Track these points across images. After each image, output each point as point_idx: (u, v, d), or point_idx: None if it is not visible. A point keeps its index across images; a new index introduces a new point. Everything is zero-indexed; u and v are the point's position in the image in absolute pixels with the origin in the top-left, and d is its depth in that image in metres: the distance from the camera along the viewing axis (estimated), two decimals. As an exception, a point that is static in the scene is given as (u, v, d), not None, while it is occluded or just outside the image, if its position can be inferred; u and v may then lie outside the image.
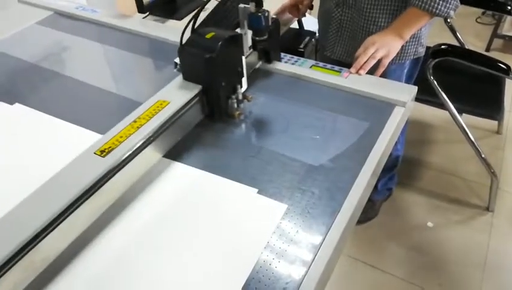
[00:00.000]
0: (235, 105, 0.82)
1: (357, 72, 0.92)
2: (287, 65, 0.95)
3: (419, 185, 1.76)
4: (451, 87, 1.46)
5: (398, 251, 1.53)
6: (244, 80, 0.85)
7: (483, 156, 1.57)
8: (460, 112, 1.49)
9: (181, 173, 0.72)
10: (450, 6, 0.96)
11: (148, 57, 1.05)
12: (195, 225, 0.64)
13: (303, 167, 0.71)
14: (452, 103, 1.45)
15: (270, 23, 0.84)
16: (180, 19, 1.25)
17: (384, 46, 0.95)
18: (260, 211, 0.65)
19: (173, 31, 1.05)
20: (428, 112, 1.79)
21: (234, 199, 0.67)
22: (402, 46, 1.01)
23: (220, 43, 0.74)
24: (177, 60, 0.80)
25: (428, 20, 1.00)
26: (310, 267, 0.57)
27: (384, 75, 0.96)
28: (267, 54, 0.95)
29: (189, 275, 0.57)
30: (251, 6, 0.80)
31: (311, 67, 0.94)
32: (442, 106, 1.48)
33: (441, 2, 0.95)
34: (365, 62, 0.93)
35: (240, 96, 0.83)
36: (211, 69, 0.75)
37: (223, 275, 0.57)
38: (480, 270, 1.44)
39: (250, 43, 0.89)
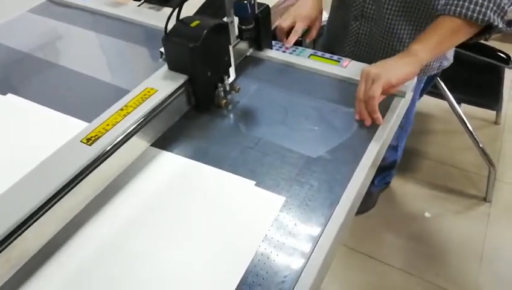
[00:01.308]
0: (222, 94, 0.80)
1: (372, 123, 0.75)
2: (283, 54, 0.93)
3: (416, 176, 1.76)
4: (450, 76, 1.44)
5: (396, 241, 1.53)
6: (231, 70, 0.83)
7: (481, 146, 1.57)
8: (458, 102, 1.48)
9: (171, 162, 0.71)
10: (493, 7, 0.71)
11: (143, 46, 1.03)
12: (190, 217, 0.62)
13: (301, 159, 0.70)
14: (451, 93, 1.44)
15: (256, 11, 0.82)
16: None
17: (381, 72, 0.73)
18: (258, 203, 0.64)
19: (168, 19, 1.03)
20: (426, 102, 1.78)
21: (231, 191, 0.66)
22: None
23: (204, 31, 0.71)
24: (162, 49, 0.78)
25: (464, 31, 0.76)
26: (308, 259, 0.56)
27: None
28: (257, 42, 0.92)
29: (184, 269, 0.56)
30: None
31: (309, 56, 0.92)
32: (440, 95, 1.48)
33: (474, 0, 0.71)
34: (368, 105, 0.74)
35: (227, 88, 0.81)
36: (195, 58, 0.73)
37: (221, 269, 0.56)
38: (477, 260, 1.45)
39: (237, 32, 0.86)
